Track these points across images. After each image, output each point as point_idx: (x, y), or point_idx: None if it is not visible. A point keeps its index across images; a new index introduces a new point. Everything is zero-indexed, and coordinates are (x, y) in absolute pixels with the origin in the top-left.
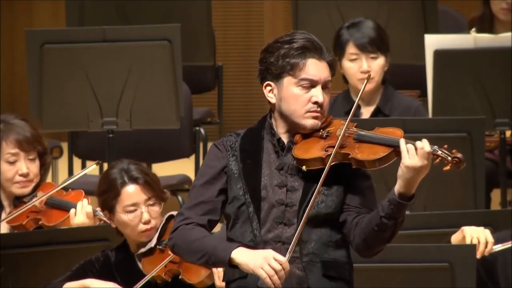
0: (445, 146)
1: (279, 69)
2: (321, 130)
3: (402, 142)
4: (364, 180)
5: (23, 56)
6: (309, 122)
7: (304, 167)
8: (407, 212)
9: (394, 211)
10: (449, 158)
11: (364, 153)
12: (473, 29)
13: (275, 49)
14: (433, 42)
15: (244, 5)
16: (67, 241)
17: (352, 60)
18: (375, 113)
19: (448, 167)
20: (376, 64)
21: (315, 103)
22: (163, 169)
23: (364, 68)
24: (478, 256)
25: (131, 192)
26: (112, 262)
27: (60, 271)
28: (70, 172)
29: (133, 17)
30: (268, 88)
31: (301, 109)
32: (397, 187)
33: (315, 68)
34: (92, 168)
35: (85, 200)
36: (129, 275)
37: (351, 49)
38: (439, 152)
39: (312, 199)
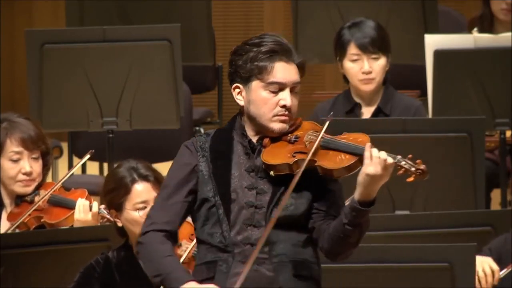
0: (410, 156)
1: (247, 72)
2: (289, 134)
3: (366, 150)
4: (333, 183)
5: (23, 56)
6: (277, 126)
7: (272, 172)
8: (407, 212)
9: (356, 217)
10: (413, 169)
11: (330, 161)
12: (475, 29)
13: (244, 52)
14: (433, 42)
15: (244, 5)
16: (67, 241)
17: (353, 61)
18: (375, 113)
19: (411, 178)
20: (378, 65)
21: (283, 106)
22: (163, 169)
23: (365, 69)
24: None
25: (141, 189)
26: (112, 263)
27: (60, 271)
28: None
29: (133, 17)
30: (237, 90)
31: (269, 113)
32: (357, 195)
33: (283, 71)
34: (87, 159)
35: (87, 199)
36: (131, 275)
37: (352, 49)
38: (403, 163)
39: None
